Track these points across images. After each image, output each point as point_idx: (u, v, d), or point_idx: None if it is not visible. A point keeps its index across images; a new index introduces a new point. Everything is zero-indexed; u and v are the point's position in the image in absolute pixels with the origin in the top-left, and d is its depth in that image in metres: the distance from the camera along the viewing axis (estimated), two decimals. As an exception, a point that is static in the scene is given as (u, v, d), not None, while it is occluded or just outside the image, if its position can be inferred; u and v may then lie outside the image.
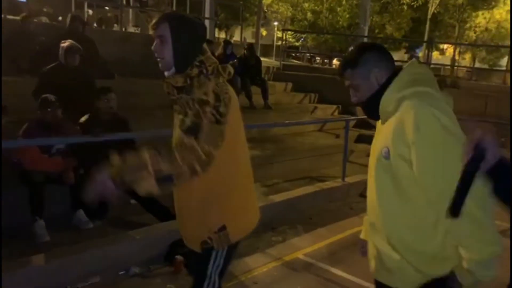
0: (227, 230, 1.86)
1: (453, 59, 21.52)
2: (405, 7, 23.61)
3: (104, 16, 17.45)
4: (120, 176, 1.55)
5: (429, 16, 22.83)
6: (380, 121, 1.66)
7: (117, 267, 3.42)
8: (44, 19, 10.25)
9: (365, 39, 14.92)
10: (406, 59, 31.27)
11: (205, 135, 1.64)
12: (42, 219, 3.69)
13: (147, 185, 1.54)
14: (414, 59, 1.80)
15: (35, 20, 7.03)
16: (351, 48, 1.78)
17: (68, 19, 6.19)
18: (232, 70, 1.88)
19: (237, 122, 1.87)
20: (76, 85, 4.63)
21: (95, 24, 13.98)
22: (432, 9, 22.76)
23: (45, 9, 12.66)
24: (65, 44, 4.75)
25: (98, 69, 5.83)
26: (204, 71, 1.76)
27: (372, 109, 1.64)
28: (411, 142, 1.45)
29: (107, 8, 21.75)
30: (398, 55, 33.92)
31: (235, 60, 8.08)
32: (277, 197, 4.92)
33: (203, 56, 1.78)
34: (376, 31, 25.01)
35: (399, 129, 1.49)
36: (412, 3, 22.92)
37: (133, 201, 4.33)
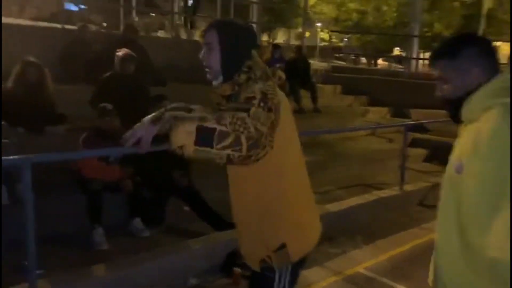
0: (287, 248, 1.73)
1: (511, 58, 20.36)
2: (457, 4, 22.65)
3: (150, 22, 17.87)
4: (162, 114, 1.43)
5: (483, 12, 21.77)
6: (461, 125, 1.48)
7: (175, 278, 3.38)
8: (94, 27, 10.55)
9: (415, 39, 14.40)
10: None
11: (256, 115, 1.48)
12: (100, 227, 3.72)
13: (184, 132, 1.35)
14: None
15: (91, 29, 7.20)
16: (451, 36, 1.58)
17: (121, 28, 6.29)
18: (283, 75, 1.80)
19: (290, 130, 1.75)
20: (131, 93, 4.68)
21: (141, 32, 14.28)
22: (487, 5, 21.68)
23: (92, 17, 13.06)
24: (121, 53, 4.81)
25: (151, 76, 5.88)
26: (253, 76, 1.66)
27: (453, 108, 1.47)
28: (485, 158, 1.28)
29: (153, 14, 22.29)
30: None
31: (282, 64, 7.97)
32: (333, 206, 4.74)
33: (251, 62, 1.69)
34: (425, 29, 24.14)
35: (477, 141, 1.31)
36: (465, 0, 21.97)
37: (186, 208, 4.32)
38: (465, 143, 1.38)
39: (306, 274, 3.59)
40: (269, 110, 1.52)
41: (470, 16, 24.20)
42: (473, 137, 1.34)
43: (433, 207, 5.11)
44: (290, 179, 1.75)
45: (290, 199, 1.75)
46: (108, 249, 3.66)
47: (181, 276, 3.39)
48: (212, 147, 1.35)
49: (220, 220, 3.96)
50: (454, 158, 1.44)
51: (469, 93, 1.42)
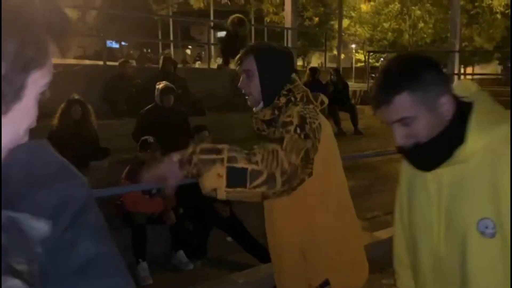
0: (331, 286, 1.61)
1: (511, 59, 19.34)
2: (498, 16, 21.99)
3: (192, 55, 18.39)
4: (189, 156, 1.32)
5: (528, 23, 21.00)
6: (431, 173, 1.15)
7: (221, 313, 3.27)
8: (134, 62, 10.96)
9: (456, 54, 14.01)
10: (500, 71, 28.99)
11: (289, 145, 1.41)
12: (145, 261, 3.70)
13: (214, 175, 1.28)
14: (462, 81, 1.38)
15: (131, 64, 7.44)
16: (386, 63, 1.17)
17: (160, 61, 6.46)
18: (325, 99, 1.70)
19: (333, 156, 1.67)
20: (172, 124, 4.73)
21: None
22: (531, 15, 20.92)
23: (131, 52, 13.58)
24: (160, 85, 4.90)
25: (190, 106, 5.95)
26: (292, 99, 1.60)
27: (434, 154, 1.11)
28: None
29: (190, 47, 22.96)
30: (490, 68, 31.53)
31: (330, 89, 8.02)
32: (382, 234, 4.50)
33: (291, 85, 1.64)
34: (464, 43, 23.52)
35: (502, 188, 1.03)
36: (506, 11, 21.28)
37: (229, 239, 4.24)
38: (479, 192, 1.07)
39: (358, 308, 3.39)
40: (306, 137, 1.45)
41: (513, 27, 23.41)
42: (495, 186, 1.04)
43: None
44: (333, 209, 1.65)
45: (335, 231, 1.65)
46: (153, 284, 3.62)
47: (226, 312, 3.28)
48: (245, 187, 1.31)
49: (264, 251, 3.84)
50: (465, 215, 1.10)
51: (444, 131, 1.10)
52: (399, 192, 1.36)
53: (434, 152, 1.11)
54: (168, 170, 1.35)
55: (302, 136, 1.44)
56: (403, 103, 1.07)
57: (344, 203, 1.72)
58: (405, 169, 1.28)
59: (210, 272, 3.76)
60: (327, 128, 1.63)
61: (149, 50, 14.18)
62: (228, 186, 1.30)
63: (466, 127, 1.07)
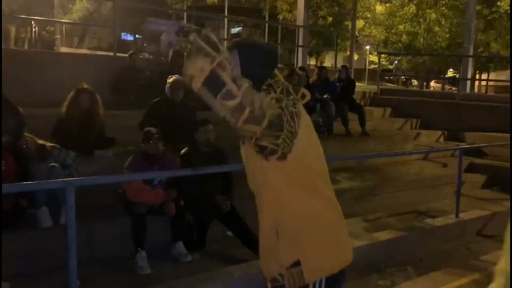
0: (302, 267, 1.62)
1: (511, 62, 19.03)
2: (515, 21, 21.69)
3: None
4: (190, 30, 1.37)
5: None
6: None
7: (216, 306, 3.30)
8: (147, 55, 11.01)
9: (469, 59, 13.85)
10: (515, 78, 28.55)
11: (263, 100, 1.45)
12: (143, 251, 3.73)
13: (198, 67, 1.33)
14: None
15: (141, 56, 7.50)
16: None
17: (169, 54, 6.48)
18: (307, 93, 1.71)
19: (313, 147, 1.70)
20: (179, 118, 4.76)
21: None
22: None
23: (145, 44, 13.67)
24: (171, 79, 4.92)
25: (198, 100, 5.96)
26: (272, 93, 1.63)
27: None
28: None
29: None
30: (506, 75, 31.05)
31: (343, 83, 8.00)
32: (382, 235, 4.50)
33: (272, 80, 1.69)
34: (480, 49, 23.23)
35: None
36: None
37: (229, 233, 4.26)
38: None
39: (353, 307, 3.39)
40: (281, 107, 1.50)
41: (530, 34, 23.05)
42: None
43: (493, 237, 4.76)
44: (311, 195, 1.68)
45: (310, 215, 1.67)
46: (150, 273, 3.65)
47: (222, 304, 3.31)
48: (215, 97, 1.35)
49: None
50: None
51: None
52: None
53: None
54: (167, 25, 1.40)
55: (277, 107, 1.49)
56: None
57: (322, 190, 1.74)
58: None
59: (208, 265, 3.78)
60: (306, 120, 1.67)
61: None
62: (203, 84, 1.35)
63: None
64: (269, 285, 1.73)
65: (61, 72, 5.86)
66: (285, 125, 1.50)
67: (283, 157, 1.55)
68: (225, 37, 15.53)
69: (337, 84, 8.18)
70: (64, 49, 10.01)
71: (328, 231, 1.74)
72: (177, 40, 1.38)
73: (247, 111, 1.38)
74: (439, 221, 5.00)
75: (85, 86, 4.73)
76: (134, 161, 3.90)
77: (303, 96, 1.70)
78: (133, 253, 3.71)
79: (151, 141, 3.91)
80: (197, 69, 1.34)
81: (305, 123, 1.64)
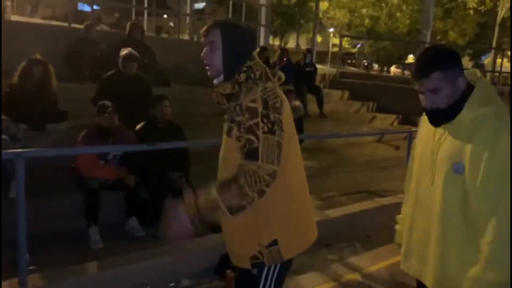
0: (279, 245, 1.74)
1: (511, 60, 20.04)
2: (471, 12, 22.42)
3: (164, 25, 17.98)
4: (195, 213, 1.62)
5: (498, 21, 21.48)
6: (438, 128, 1.66)
7: (168, 279, 3.35)
8: (105, 27, 10.65)
9: (427, 46, 14.26)
10: (470, 66, 29.70)
11: (265, 153, 1.59)
12: (96, 226, 3.71)
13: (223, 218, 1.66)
14: (473, 69, 1.73)
15: (97, 28, 7.26)
16: (426, 49, 1.68)
17: (127, 27, 6.32)
18: (282, 76, 1.80)
19: (290, 129, 1.76)
20: (133, 92, 4.68)
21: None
22: (501, 13, 21.40)
23: (103, 16, 13.20)
24: (124, 52, 4.82)
25: (155, 77, 5.88)
26: (252, 75, 1.71)
27: (444, 116, 1.61)
28: (486, 159, 1.51)
29: (165, 16, 22.43)
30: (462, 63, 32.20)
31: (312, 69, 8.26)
32: (333, 212, 4.68)
33: (251, 62, 1.74)
34: (438, 37, 23.95)
35: (479, 147, 1.53)
36: (479, 8, 21.71)
37: (185, 210, 4.29)
38: (461, 147, 1.57)
39: (301, 280, 3.54)
40: (272, 129, 1.62)
41: (485, 24, 23.95)
42: (474, 143, 1.54)
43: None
44: (286, 177, 1.74)
45: (286, 196, 1.76)
46: (103, 248, 3.65)
47: (174, 277, 3.36)
48: (246, 209, 1.61)
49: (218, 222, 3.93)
50: (446, 159, 1.61)
51: (456, 101, 1.58)
52: (415, 143, 1.90)
53: (446, 114, 1.60)
54: (181, 225, 1.63)
55: (270, 126, 1.61)
56: (436, 77, 1.55)
57: (296, 171, 1.82)
58: (423, 125, 1.79)
59: (163, 240, 3.81)
60: (285, 102, 1.73)
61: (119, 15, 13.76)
62: (236, 215, 1.61)
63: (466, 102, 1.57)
64: (243, 263, 1.81)
65: (11, 41, 5.59)
66: (281, 141, 1.65)
67: None
68: (188, 12, 15.23)
69: (306, 69, 8.27)
70: (15, 18, 9.51)
71: (302, 209, 1.85)
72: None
73: (265, 189, 1.60)
74: (388, 200, 5.23)
75: (38, 56, 4.56)
76: (88, 135, 3.83)
77: (280, 78, 1.78)
78: (85, 228, 3.68)
79: (106, 115, 3.85)
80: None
81: (286, 109, 1.70)
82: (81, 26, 6.72)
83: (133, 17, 11.76)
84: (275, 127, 1.61)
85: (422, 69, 1.57)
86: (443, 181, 1.62)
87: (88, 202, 3.73)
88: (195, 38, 14.62)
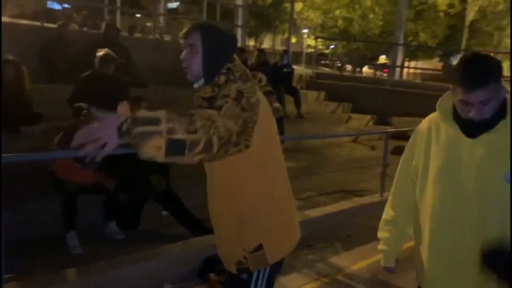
0: (264, 250, 1.72)
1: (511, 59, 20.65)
2: (441, 14, 23.01)
3: (139, 25, 17.71)
4: (128, 125, 1.28)
5: (466, 24, 22.14)
6: (469, 138, 1.57)
7: (150, 284, 3.29)
8: (76, 26, 10.41)
9: (400, 47, 14.57)
10: (440, 67, 30.46)
11: (227, 112, 1.47)
12: (74, 230, 3.63)
13: (153, 147, 1.27)
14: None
15: (72, 28, 7.09)
16: (472, 57, 1.57)
17: (102, 27, 6.20)
18: (264, 78, 1.81)
19: (271, 132, 1.75)
20: (110, 93, 4.58)
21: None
22: (470, 16, 22.07)
23: (75, 15, 12.89)
24: (101, 53, 4.72)
25: (132, 77, 5.79)
26: (231, 77, 1.69)
27: (487, 126, 1.54)
28: None
29: (138, 15, 22.10)
30: (432, 64, 33.06)
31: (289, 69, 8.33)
32: (313, 212, 4.72)
33: (231, 64, 1.72)
34: (410, 38, 24.47)
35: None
36: (449, 10, 22.30)
37: (165, 213, 4.25)
38: (503, 155, 1.52)
39: (283, 281, 3.54)
40: (243, 109, 1.51)
41: (454, 26, 24.63)
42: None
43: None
44: (270, 180, 1.74)
45: (269, 200, 1.74)
46: (82, 253, 3.57)
47: (156, 282, 3.31)
48: (183, 155, 1.33)
49: (200, 226, 3.91)
50: (493, 169, 1.54)
51: (498, 109, 1.54)
52: (411, 148, 1.79)
53: (489, 125, 1.54)
54: (106, 133, 1.28)
55: (239, 108, 1.51)
56: (492, 88, 1.48)
57: (279, 174, 1.81)
58: (442, 134, 1.67)
59: (143, 245, 3.75)
60: (264, 105, 1.69)
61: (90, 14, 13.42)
62: (166, 155, 1.30)
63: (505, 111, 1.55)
64: (231, 267, 1.80)
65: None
66: (249, 125, 1.51)
67: (247, 148, 1.55)
68: (161, 12, 15.06)
69: (284, 70, 8.30)
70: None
71: (286, 213, 1.83)
72: (123, 142, 1.29)
73: (215, 142, 1.36)
74: (365, 200, 5.31)
75: (10, 57, 4.43)
76: (64, 138, 3.72)
77: (260, 80, 1.77)
78: (64, 233, 3.59)
79: (82, 117, 3.76)
80: (154, 150, 1.29)
81: (263, 110, 1.65)
82: (54, 26, 6.55)
83: (105, 16, 11.54)
84: (244, 112, 1.51)
85: (479, 79, 1.47)
86: (491, 192, 1.55)
87: (67, 207, 3.65)
88: (169, 38, 14.49)
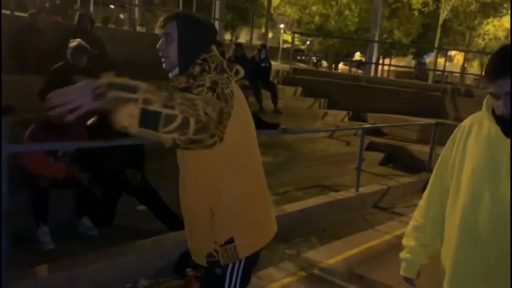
0: (236, 243, 1.71)
1: (462, 67, 21.30)
2: (415, 12, 23.44)
3: (113, 16, 17.31)
4: (103, 88, 1.22)
5: (440, 23, 22.62)
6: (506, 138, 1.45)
7: (125, 279, 3.24)
8: (48, 16, 10.09)
9: (375, 44, 14.76)
10: (413, 65, 31.08)
11: (205, 100, 1.40)
12: (46, 225, 3.53)
13: (127, 114, 1.21)
14: None
15: (43, 17, 6.86)
16: (500, 49, 1.48)
17: (76, 17, 6.03)
18: (241, 70, 1.76)
19: (246, 125, 1.74)
20: (84, 85, 4.47)
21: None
22: (443, 15, 22.56)
23: (47, 5, 12.49)
24: (73, 43, 4.60)
25: (106, 69, 5.65)
26: (207, 68, 1.67)
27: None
28: None
29: (112, 6, 21.62)
30: (405, 61, 33.69)
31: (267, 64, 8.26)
32: (290, 207, 4.73)
33: (207, 55, 1.70)
34: (384, 36, 24.85)
35: None
36: (423, 9, 22.74)
37: (140, 208, 4.18)
38: None
39: (261, 275, 3.56)
40: (218, 98, 1.48)
41: (428, 25, 25.15)
42: None
43: (387, 209, 5.23)
44: (244, 174, 1.73)
45: (243, 193, 1.73)
46: (54, 249, 3.48)
47: (132, 278, 3.26)
48: (157, 130, 1.26)
49: (177, 220, 3.86)
50: None
51: None
52: (450, 144, 1.65)
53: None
54: (81, 95, 1.22)
55: (215, 96, 1.48)
56: None
57: (253, 168, 1.79)
58: (472, 136, 1.56)
59: (117, 240, 3.68)
60: (240, 97, 1.67)
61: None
62: (140, 126, 1.24)
63: None
64: (201, 260, 1.77)
65: None
66: (224, 116, 1.44)
67: (221, 141, 1.47)
68: (137, 3, 14.78)
69: (261, 65, 8.28)
70: None
71: (260, 207, 1.81)
72: (98, 106, 1.22)
73: (192, 123, 1.28)
74: (341, 195, 5.37)
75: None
76: (36, 131, 3.62)
77: (237, 72, 1.72)
78: (34, 229, 3.49)
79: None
80: (127, 118, 1.22)
81: (238, 102, 1.63)
82: (25, 15, 6.33)
83: (78, 6, 11.22)
84: (220, 96, 1.49)
85: (498, 69, 1.40)
86: None
87: (37, 201, 3.53)
88: (144, 29, 14.24)
